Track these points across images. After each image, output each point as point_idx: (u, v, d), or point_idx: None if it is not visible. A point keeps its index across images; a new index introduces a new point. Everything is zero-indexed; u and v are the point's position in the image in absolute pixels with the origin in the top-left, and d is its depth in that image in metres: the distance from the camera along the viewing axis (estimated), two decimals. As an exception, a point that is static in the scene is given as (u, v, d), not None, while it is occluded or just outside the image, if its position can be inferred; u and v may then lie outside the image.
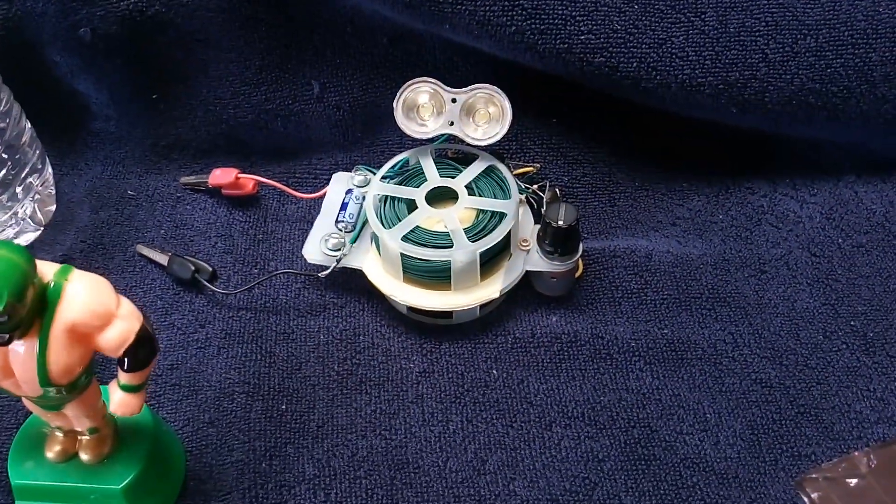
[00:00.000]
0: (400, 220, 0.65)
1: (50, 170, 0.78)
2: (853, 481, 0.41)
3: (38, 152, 0.76)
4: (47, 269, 0.47)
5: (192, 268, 0.70)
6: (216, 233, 0.75)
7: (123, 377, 0.50)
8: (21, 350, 0.47)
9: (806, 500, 0.40)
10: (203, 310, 0.70)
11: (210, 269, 0.71)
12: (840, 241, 0.73)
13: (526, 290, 0.69)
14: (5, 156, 0.73)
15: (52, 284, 0.46)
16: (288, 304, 0.70)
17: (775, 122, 0.72)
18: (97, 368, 0.52)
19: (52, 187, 0.78)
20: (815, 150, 0.77)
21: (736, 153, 0.77)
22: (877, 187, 0.76)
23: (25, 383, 0.48)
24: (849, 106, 0.71)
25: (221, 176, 0.75)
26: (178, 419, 0.63)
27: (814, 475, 0.41)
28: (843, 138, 0.75)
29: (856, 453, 0.41)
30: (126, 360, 0.48)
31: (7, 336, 0.45)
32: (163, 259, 0.71)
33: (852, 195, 0.76)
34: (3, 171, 0.72)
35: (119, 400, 0.51)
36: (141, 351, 0.48)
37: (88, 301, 0.47)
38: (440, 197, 0.67)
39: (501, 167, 0.68)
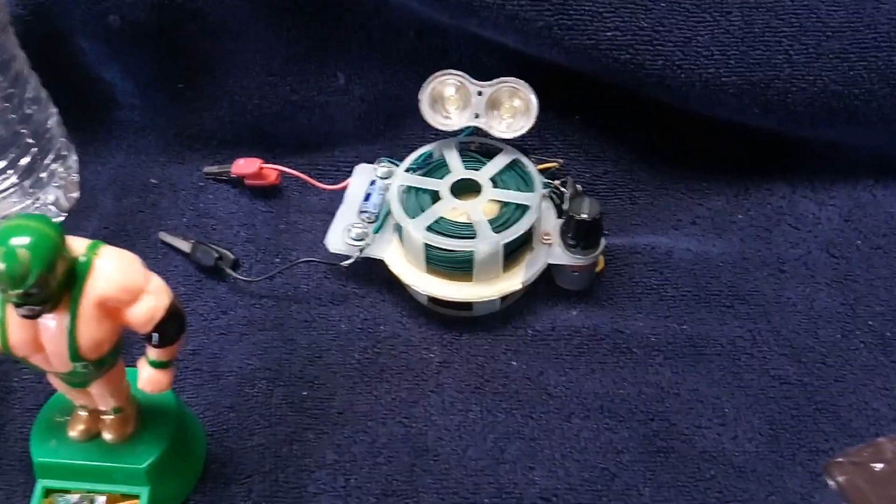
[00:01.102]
0: (423, 211, 0.66)
1: (75, 157, 0.79)
2: (879, 466, 0.41)
3: (63, 139, 0.77)
4: (77, 245, 0.47)
5: (216, 255, 0.70)
6: (238, 222, 0.75)
7: (153, 353, 0.50)
8: (52, 324, 0.48)
9: (832, 483, 0.41)
10: (225, 297, 0.70)
11: (233, 257, 0.71)
12: (858, 242, 0.73)
13: (546, 285, 0.70)
14: (31, 141, 0.73)
15: (82, 259, 0.47)
16: (309, 293, 0.70)
17: (796, 123, 0.72)
18: (123, 349, 0.52)
19: (77, 174, 0.79)
20: (835, 153, 0.78)
21: (756, 154, 0.78)
22: (894, 191, 0.77)
23: (55, 357, 0.49)
24: (870, 109, 0.71)
25: (245, 166, 0.76)
26: (199, 403, 0.63)
27: (840, 459, 0.41)
28: (863, 141, 0.76)
29: (881, 439, 0.41)
30: (156, 335, 0.49)
31: (38, 308, 0.46)
32: (186, 246, 0.72)
33: (871, 198, 0.76)
34: (29, 158, 0.72)
35: (148, 377, 0.51)
36: (170, 326, 0.49)
37: (118, 275, 0.47)
38: (464, 189, 0.68)
39: (525, 161, 0.69)
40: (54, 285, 0.45)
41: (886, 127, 0.72)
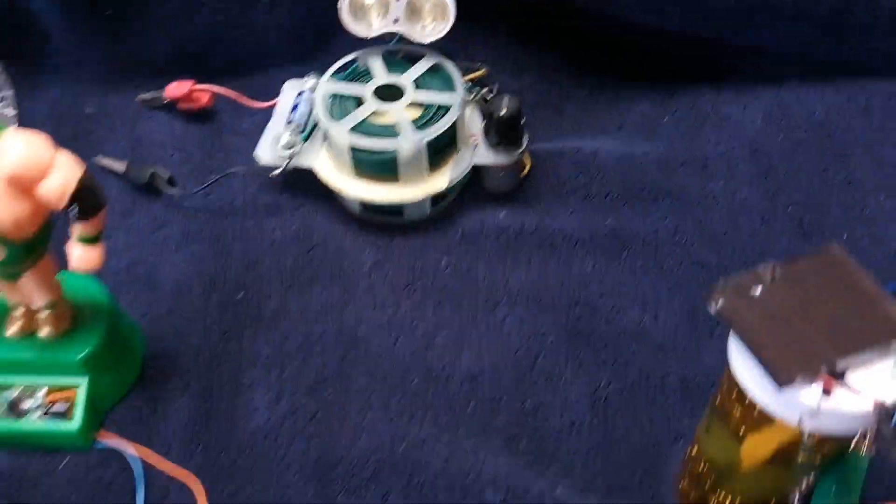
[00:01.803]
0: (347, 115, 0.67)
1: (11, 91, 0.80)
2: (758, 291, 0.43)
3: (0, 72, 0.78)
4: None
5: (150, 171, 0.72)
6: (174, 145, 0.77)
7: (77, 229, 0.52)
8: (-28, 209, 0.49)
9: (713, 307, 0.43)
10: (161, 213, 0.72)
11: (167, 173, 0.73)
12: (780, 139, 0.76)
13: (475, 189, 0.72)
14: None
15: (-15, 140, 0.48)
16: (244, 206, 0.72)
17: (717, 25, 0.74)
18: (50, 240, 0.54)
19: (14, 109, 0.80)
20: (760, 57, 0.80)
21: (682, 60, 0.80)
22: (818, 90, 0.79)
23: (-18, 243, 0.50)
24: (785, 5, 0.73)
25: (177, 88, 0.77)
26: (137, 311, 0.65)
27: (722, 286, 0.43)
28: (785, 42, 0.78)
29: (762, 267, 0.43)
30: (75, 208, 0.50)
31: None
32: (121, 167, 0.73)
33: (794, 98, 0.79)
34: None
35: (79, 255, 0.53)
36: (87, 197, 0.50)
37: (23, 152, 0.48)
38: (389, 96, 0.69)
39: (448, 64, 0.70)
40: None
41: (808, 24, 0.74)
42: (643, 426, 0.59)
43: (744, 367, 0.43)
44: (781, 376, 0.40)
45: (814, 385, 0.40)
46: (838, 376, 0.40)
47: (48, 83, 0.82)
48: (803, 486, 0.44)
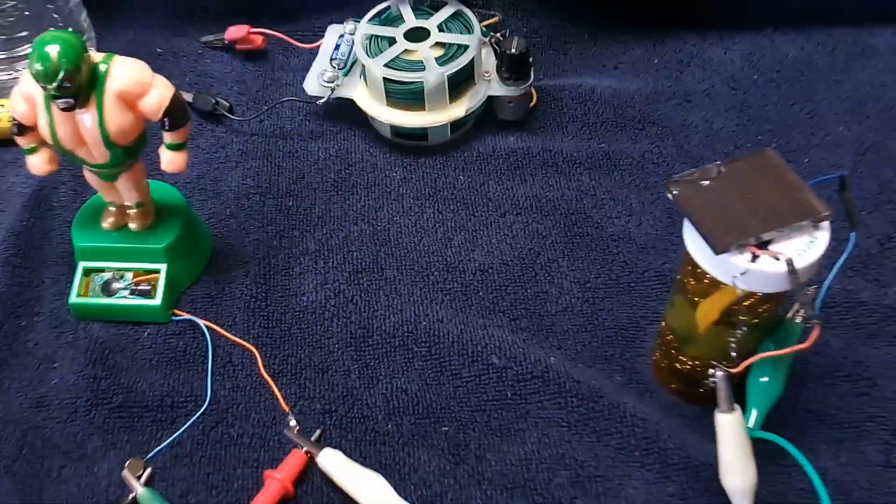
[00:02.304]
0: (382, 52, 0.80)
1: (92, 33, 0.93)
2: (705, 182, 0.55)
3: (84, 16, 0.91)
4: (96, 55, 0.62)
5: (213, 101, 0.85)
6: (232, 80, 0.90)
7: (167, 137, 0.64)
8: (86, 119, 0.62)
9: (670, 195, 0.55)
10: (223, 135, 0.85)
11: (227, 103, 0.85)
12: (755, 77, 0.87)
13: (490, 118, 0.84)
14: (56, 17, 0.87)
15: (101, 65, 0.61)
16: (292, 131, 0.85)
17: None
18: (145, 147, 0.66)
19: (94, 49, 0.93)
20: (741, 6, 0.91)
21: (671, 9, 0.91)
22: (791, 36, 0.91)
23: (95, 148, 0.63)
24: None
25: (235, 31, 0.90)
26: (205, 213, 0.78)
27: (676, 179, 0.55)
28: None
29: (710, 165, 0.55)
30: (167, 120, 0.63)
31: (72, 101, 0.60)
32: (188, 97, 0.86)
33: (770, 43, 0.90)
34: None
35: (168, 159, 0.66)
36: (177, 111, 0.63)
37: (130, 73, 0.62)
38: (417, 37, 0.82)
39: (467, 11, 0.82)
40: (81, 81, 0.59)
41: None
42: (624, 310, 0.71)
43: (694, 242, 0.55)
44: (719, 245, 0.52)
45: (744, 252, 0.52)
46: (763, 245, 0.52)
47: (124, 27, 0.95)
48: (738, 335, 0.57)
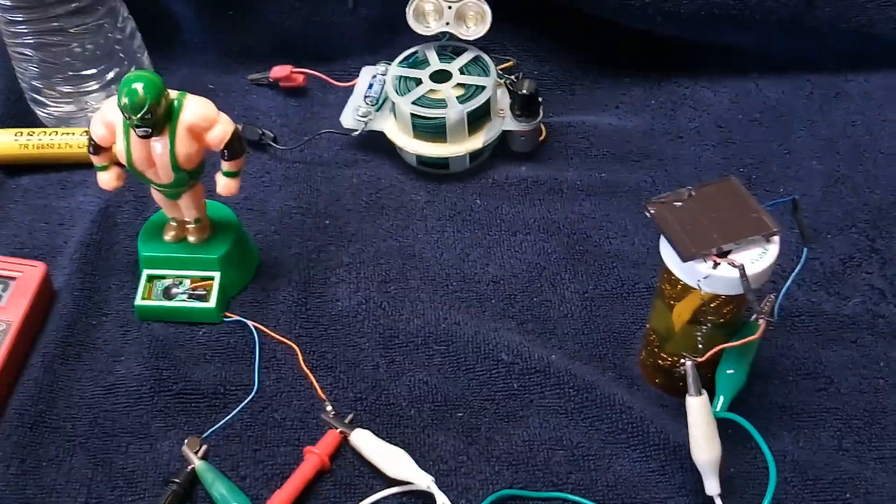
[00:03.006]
0: (410, 91, 0.91)
1: (152, 70, 1.04)
2: (678, 203, 0.66)
3: (145, 56, 1.03)
4: (172, 93, 0.73)
5: (259, 132, 0.96)
6: (276, 113, 1.01)
7: (225, 165, 0.76)
8: (158, 146, 0.73)
9: (649, 214, 0.66)
10: (267, 163, 0.96)
11: (272, 134, 0.97)
12: (740, 117, 0.98)
13: (504, 150, 0.95)
14: (122, 56, 0.99)
15: (175, 100, 0.73)
16: (330, 159, 0.96)
17: (691, 28, 0.97)
18: (203, 173, 0.78)
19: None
20: (728, 55, 1.02)
21: (667, 56, 1.02)
22: (774, 81, 1.02)
23: (162, 170, 0.74)
24: (745, 14, 0.96)
25: (279, 71, 1.02)
26: (252, 230, 0.89)
27: (654, 200, 0.66)
28: (747, 42, 1.00)
29: (682, 189, 0.66)
30: (227, 151, 0.74)
31: (150, 130, 0.71)
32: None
33: (754, 87, 1.01)
34: (118, 69, 0.98)
35: (223, 184, 0.77)
36: (236, 144, 0.74)
37: (200, 110, 0.73)
38: (441, 78, 0.93)
39: (485, 57, 0.94)
40: (159, 114, 0.71)
41: (763, 27, 0.97)
42: (617, 317, 0.81)
43: (667, 252, 0.65)
44: (686, 254, 0.63)
45: (707, 260, 0.63)
46: (723, 255, 0.63)
47: (179, 65, 1.07)
48: (704, 330, 0.67)
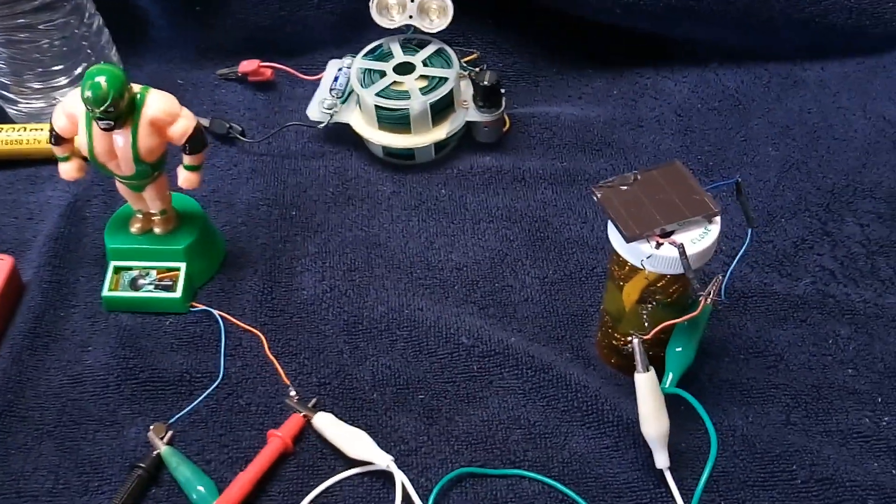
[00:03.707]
0: (374, 83, 0.93)
1: (120, 66, 1.06)
2: (624, 187, 0.68)
3: (114, 51, 1.04)
4: (135, 87, 0.75)
5: (227, 126, 0.98)
6: (244, 107, 1.03)
7: (187, 159, 0.77)
8: (120, 139, 0.75)
9: (594, 197, 0.67)
10: (235, 155, 0.98)
11: (240, 127, 0.98)
12: (699, 106, 1.00)
13: (468, 140, 0.97)
14: (90, 52, 1.00)
15: (138, 94, 0.74)
16: (297, 151, 0.98)
17: (651, 20, 0.99)
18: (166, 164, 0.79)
19: (123, 80, 1.06)
20: (689, 46, 1.04)
21: (630, 48, 1.05)
22: (733, 70, 1.04)
23: (124, 162, 0.76)
24: (702, 7, 0.98)
25: (247, 65, 1.03)
26: (219, 221, 0.90)
27: (600, 184, 0.68)
28: (706, 33, 1.02)
29: (628, 173, 0.68)
30: (188, 146, 0.76)
31: (112, 123, 0.73)
32: (205, 122, 0.99)
33: (714, 77, 1.03)
34: (90, 64, 1.00)
35: (184, 177, 0.78)
36: (198, 139, 0.76)
37: (163, 104, 0.75)
38: (404, 71, 0.95)
39: (448, 49, 0.96)
40: (122, 107, 0.72)
41: (720, 18, 0.99)
42: (576, 300, 0.83)
43: (615, 235, 0.67)
44: (630, 235, 0.65)
45: (650, 241, 0.65)
46: (665, 235, 0.65)
47: (148, 61, 1.08)
48: (649, 309, 0.69)
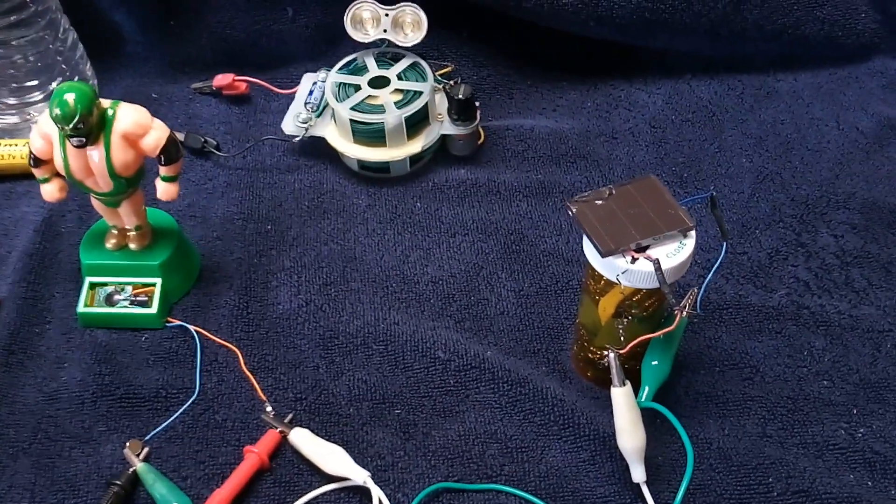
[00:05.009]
0: (349, 97, 0.93)
1: (95, 81, 1.06)
2: (599, 202, 0.68)
3: (88, 66, 1.04)
4: (105, 102, 0.74)
5: (202, 140, 0.98)
6: (219, 121, 1.03)
7: (163, 170, 0.77)
8: (95, 155, 0.74)
9: (570, 213, 0.68)
10: (210, 169, 0.97)
11: (215, 141, 0.98)
12: (673, 117, 1.01)
13: (443, 153, 0.97)
14: (64, 67, 1.00)
15: (109, 110, 0.74)
16: (272, 165, 0.98)
17: (624, 32, 1.00)
18: (142, 179, 0.79)
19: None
20: (663, 57, 1.05)
21: (604, 60, 1.05)
22: (706, 82, 1.04)
23: (101, 178, 0.76)
24: (675, 19, 0.98)
25: (222, 79, 1.03)
26: (195, 236, 0.90)
27: (575, 199, 0.68)
28: (680, 45, 1.03)
29: (603, 188, 0.69)
30: (163, 157, 0.76)
31: (84, 140, 0.72)
32: (181, 136, 0.99)
33: (687, 88, 1.04)
34: (62, 78, 0.99)
35: (163, 189, 0.78)
36: (172, 149, 0.76)
37: (133, 117, 0.74)
38: (379, 84, 0.95)
39: (422, 63, 0.96)
40: (92, 123, 0.72)
41: (693, 30, 1.00)
42: (551, 313, 0.83)
43: (590, 250, 0.67)
44: (605, 249, 0.65)
45: (626, 255, 0.65)
46: (641, 250, 0.65)
47: (122, 75, 1.08)
48: (625, 323, 0.69)
